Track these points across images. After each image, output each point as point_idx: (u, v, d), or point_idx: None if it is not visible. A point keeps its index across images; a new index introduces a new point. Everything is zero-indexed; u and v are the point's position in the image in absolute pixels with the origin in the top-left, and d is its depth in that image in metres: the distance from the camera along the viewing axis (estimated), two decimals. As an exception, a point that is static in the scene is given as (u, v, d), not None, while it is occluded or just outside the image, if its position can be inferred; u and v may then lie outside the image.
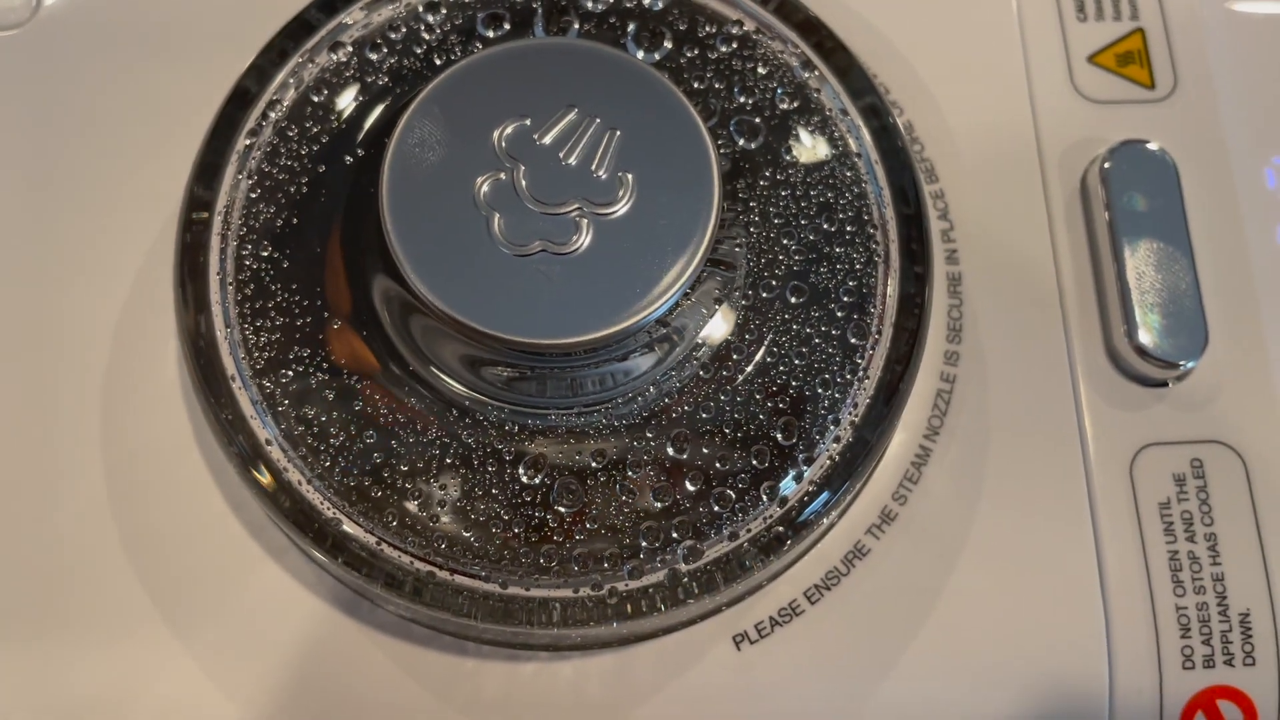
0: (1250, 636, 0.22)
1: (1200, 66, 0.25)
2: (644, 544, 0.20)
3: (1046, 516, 0.22)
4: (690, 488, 0.20)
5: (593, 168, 0.20)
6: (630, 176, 0.20)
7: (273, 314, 0.21)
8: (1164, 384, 0.23)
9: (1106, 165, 0.23)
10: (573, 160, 0.20)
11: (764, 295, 0.21)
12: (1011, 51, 0.25)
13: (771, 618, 0.21)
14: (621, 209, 0.20)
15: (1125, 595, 0.22)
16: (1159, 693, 0.21)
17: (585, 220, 0.19)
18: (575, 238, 0.19)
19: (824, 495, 0.20)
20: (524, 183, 0.19)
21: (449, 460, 0.20)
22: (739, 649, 0.21)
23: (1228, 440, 0.23)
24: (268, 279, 0.21)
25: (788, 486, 0.20)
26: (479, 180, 0.19)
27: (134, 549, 0.22)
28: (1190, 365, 0.22)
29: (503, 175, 0.20)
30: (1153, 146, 0.23)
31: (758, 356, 0.21)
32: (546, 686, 0.21)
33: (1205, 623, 0.22)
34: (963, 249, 0.23)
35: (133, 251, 0.23)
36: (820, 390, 0.21)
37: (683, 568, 0.20)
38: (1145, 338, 0.22)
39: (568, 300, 0.19)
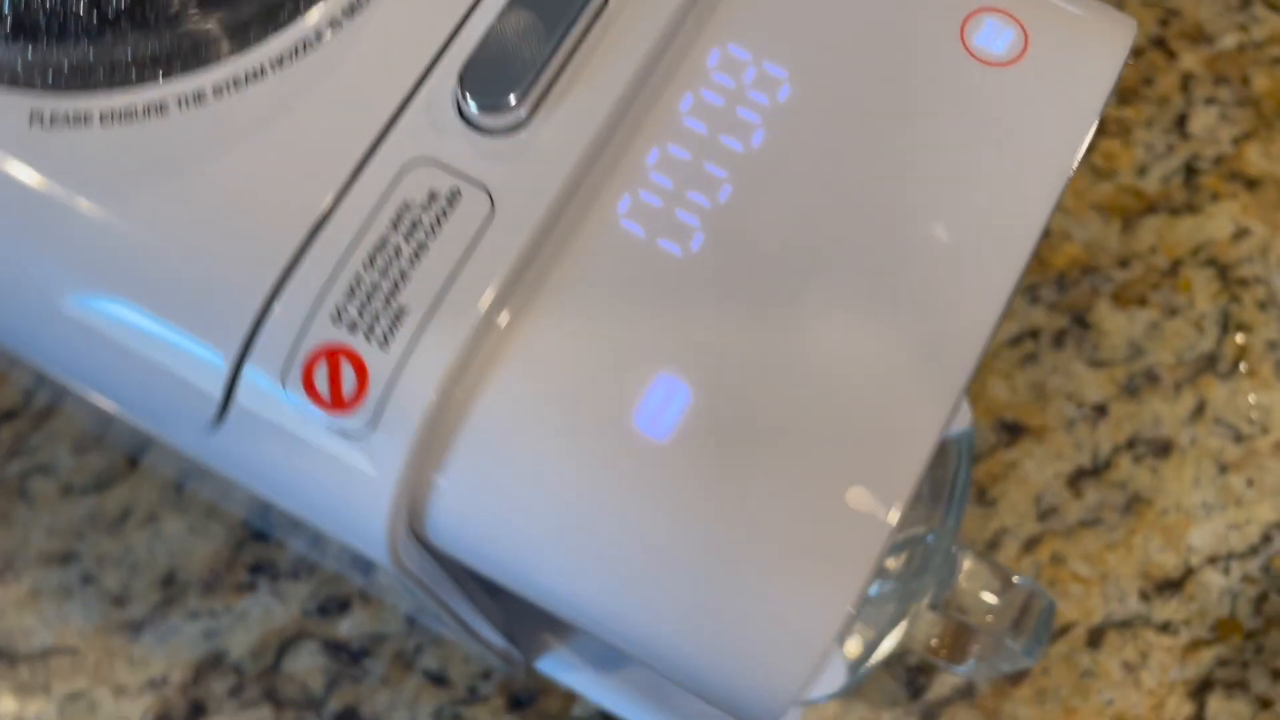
0: (396, 328, 0.24)
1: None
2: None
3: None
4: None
5: None
6: None
7: None
8: (489, 131, 0.26)
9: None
10: None
11: None
12: None
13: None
14: None
15: (329, 243, 0.25)
16: (301, 326, 0.25)
17: None
18: None
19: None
20: None
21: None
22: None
23: (494, 193, 0.25)
24: None
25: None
26: None
27: None
28: (505, 122, 0.25)
29: None
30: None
31: None
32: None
33: (370, 299, 0.25)
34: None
35: None
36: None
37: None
38: (471, 79, 0.25)
39: None
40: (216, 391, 0.25)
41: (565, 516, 0.24)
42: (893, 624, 0.41)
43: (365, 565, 0.45)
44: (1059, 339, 0.56)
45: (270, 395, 0.25)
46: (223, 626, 0.51)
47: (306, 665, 0.51)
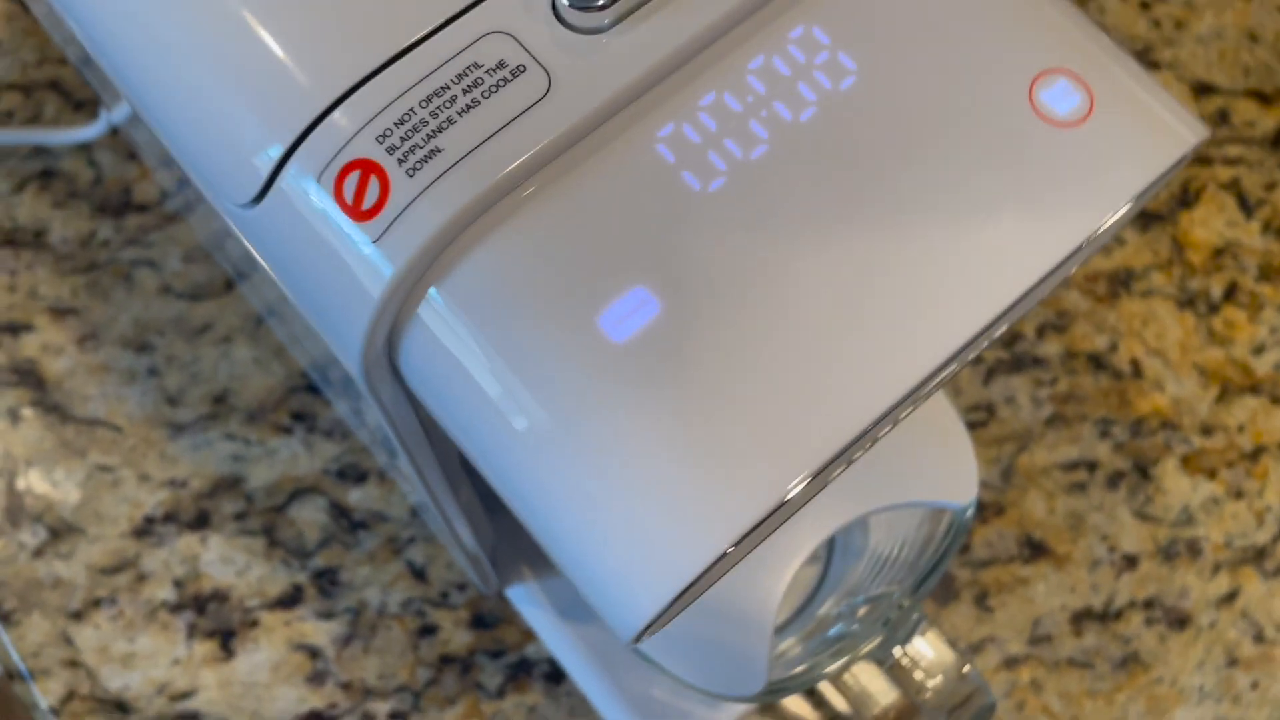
0: (427, 163, 0.27)
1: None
2: None
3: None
4: None
5: None
6: None
7: None
8: (571, 27, 0.28)
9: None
10: None
11: None
12: None
13: None
14: None
15: (399, 75, 0.27)
16: (350, 137, 0.27)
17: None
18: None
19: None
20: None
21: None
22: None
23: (555, 79, 0.27)
24: None
25: None
26: None
27: None
28: (589, 22, 0.27)
29: None
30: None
31: None
32: None
33: (415, 132, 0.27)
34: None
35: None
36: None
37: None
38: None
39: None
40: (265, 170, 0.28)
41: (513, 377, 0.26)
42: (833, 659, 0.42)
43: (390, 448, 0.47)
44: (1114, 480, 0.55)
45: (305, 188, 0.27)
46: (251, 455, 0.55)
47: (309, 517, 0.54)
